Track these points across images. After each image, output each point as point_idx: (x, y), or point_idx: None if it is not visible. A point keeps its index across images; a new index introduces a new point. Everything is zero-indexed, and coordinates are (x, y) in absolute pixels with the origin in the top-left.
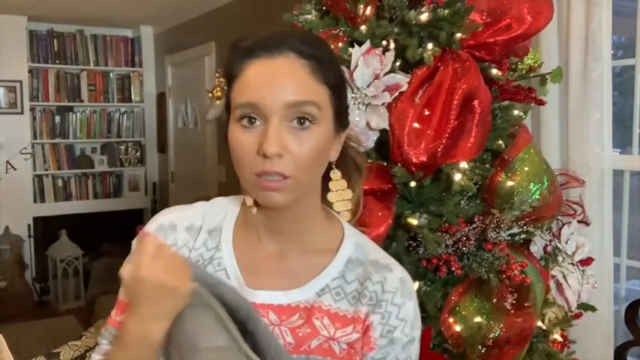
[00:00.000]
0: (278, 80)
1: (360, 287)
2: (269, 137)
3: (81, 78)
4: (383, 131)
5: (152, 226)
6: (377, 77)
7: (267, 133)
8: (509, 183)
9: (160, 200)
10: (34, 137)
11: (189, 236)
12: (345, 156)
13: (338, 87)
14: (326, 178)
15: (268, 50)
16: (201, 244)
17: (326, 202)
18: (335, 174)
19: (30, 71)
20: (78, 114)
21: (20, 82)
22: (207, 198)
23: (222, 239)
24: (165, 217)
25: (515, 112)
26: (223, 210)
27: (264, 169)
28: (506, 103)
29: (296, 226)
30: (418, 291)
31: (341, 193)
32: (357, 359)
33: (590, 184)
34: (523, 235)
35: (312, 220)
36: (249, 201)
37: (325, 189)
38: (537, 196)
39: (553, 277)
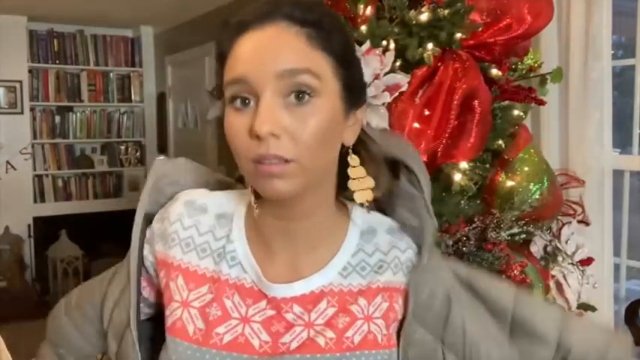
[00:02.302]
0: (267, 49)
1: (385, 256)
2: (260, 115)
3: (81, 78)
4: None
5: (183, 198)
6: (377, 77)
7: (259, 110)
8: (509, 183)
9: None
10: (34, 137)
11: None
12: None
13: (345, 57)
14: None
15: (258, 22)
16: (207, 229)
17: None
18: (353, 159)
19: (30, 71)
20: (78, 114)
21: (20, 82)
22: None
23: (234, 228)
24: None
25: (515, 112)
26: (234, 199)
27: (259, 152)
28: (506, 103)
29: (309, 224)
30: None
31: (361, 181)
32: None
33: (590, 184)
34: (523, 235)
35: (324, 217)
36: (252, 199)
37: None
38: (537, 196)
39: (553, 277)
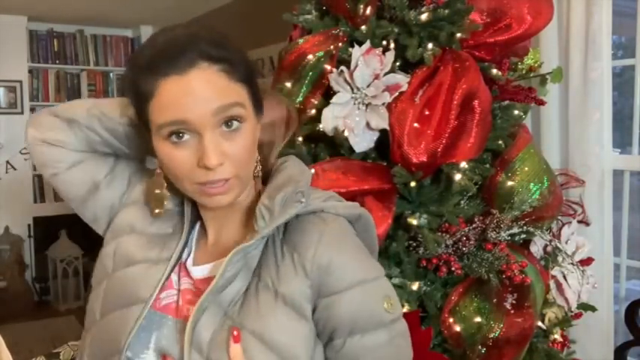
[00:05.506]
0: (198, 93)
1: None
2: (209, 151)
3: (81, 78)
4: (383, 131)
5: None
6: (377, 77)
7: (205, 146)
8: (509, 183)
9: None
10: None
11: None
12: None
13: (251, 79)
14: None
15: (178, 66)
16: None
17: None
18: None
19: (30, 71)
20: None
21: (20, 82)
22: None
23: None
24: None
25: (515, 112)
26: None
27: (208, 179)
28: (506, 103)
29: (232, 210)
30: (418, 291)
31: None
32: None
33: (590, 184)
34: (523, 235)
35: (247, 202)
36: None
37: None
38: (537, 196)
39: (553, 277)
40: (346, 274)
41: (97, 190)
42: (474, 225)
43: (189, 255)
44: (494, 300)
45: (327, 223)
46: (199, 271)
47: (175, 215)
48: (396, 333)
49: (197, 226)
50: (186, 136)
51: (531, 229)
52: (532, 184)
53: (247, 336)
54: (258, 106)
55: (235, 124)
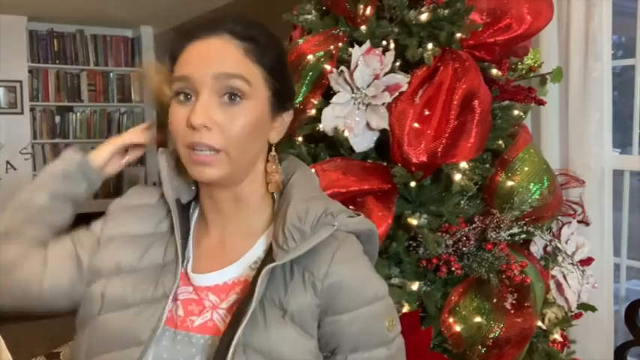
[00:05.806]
0: (209, 55)
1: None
2: (196, 109)
3: (81, 78)
4: (383, 131)
5: None
6: (377, 77)
7: (196, 105)
8: (509, 183)
9: None
10: (34, 137)
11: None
12: None
13: (276, 69)
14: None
15: (205, 33)
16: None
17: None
18: (271, 155)
19: (30, 71)
20: (78, 114)
21: (20, 82)
22: None
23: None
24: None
25: (515, 112)
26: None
27: (192, 140)
28: (506, 103)
29: (237, 207)
30: (418, 291)
31: (270, 175)
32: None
33: (590, 184)
34: (523, 235)
35: (254, 201)
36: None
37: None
38: (537, 196)
39: (553, 277)
40: (355, 294)
41: (81, 261)
42: (474, 225)
43: (188, 262)
44: (494, 300)
45: (339, 242)
46: (203, 280)
47: (163, 236)
48: (395, 350)
49: (191, 233)
50: (192, 99)
51: (531, 229)
52: (532, 184)
53: (254, 355)
54: (279, 98)
55: (237, 98)
